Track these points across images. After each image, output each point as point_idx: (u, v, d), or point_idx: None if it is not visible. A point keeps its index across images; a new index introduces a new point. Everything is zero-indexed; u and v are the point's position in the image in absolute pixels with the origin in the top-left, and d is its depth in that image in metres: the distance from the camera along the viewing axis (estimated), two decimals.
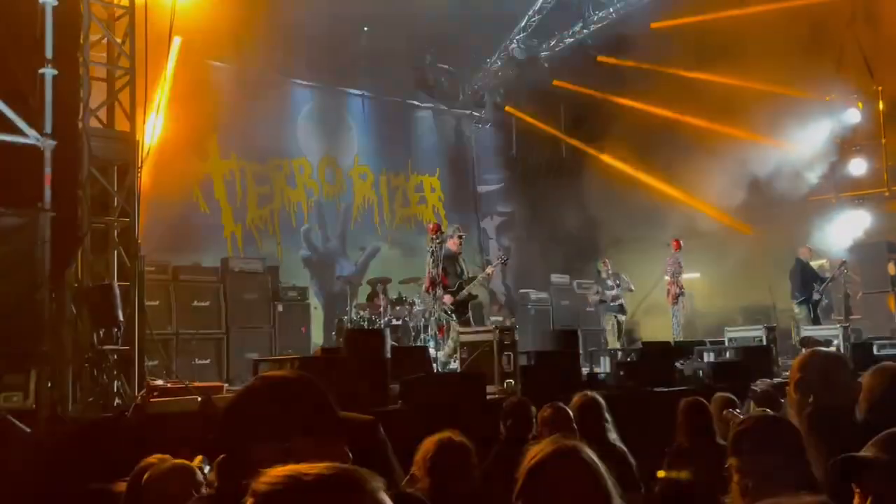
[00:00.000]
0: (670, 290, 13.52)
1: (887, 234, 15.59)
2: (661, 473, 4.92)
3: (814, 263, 14.45)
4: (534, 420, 5.07)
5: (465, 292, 10.72)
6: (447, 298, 10.49)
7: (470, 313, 11.10)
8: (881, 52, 15.26)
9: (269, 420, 1.72)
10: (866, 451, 1.96)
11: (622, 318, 14.15)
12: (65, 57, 6.67)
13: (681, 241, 13.64)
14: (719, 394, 5.73)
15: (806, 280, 13.56)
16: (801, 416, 2.75)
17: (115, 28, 7.36)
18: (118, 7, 7.42)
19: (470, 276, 11.08)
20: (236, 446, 1.72)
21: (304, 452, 1.57)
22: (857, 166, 16.60)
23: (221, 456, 1.75)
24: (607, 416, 5.17)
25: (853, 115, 16.35)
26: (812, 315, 13.49)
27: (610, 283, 14.02)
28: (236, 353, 11.26)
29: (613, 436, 5.15)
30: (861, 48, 15.54)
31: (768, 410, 4.84)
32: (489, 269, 11.33)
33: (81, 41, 6.96)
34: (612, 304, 14.05)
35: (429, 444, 3.73)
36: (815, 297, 13.50)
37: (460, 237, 11.13)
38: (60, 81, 6.51)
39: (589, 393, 5.35)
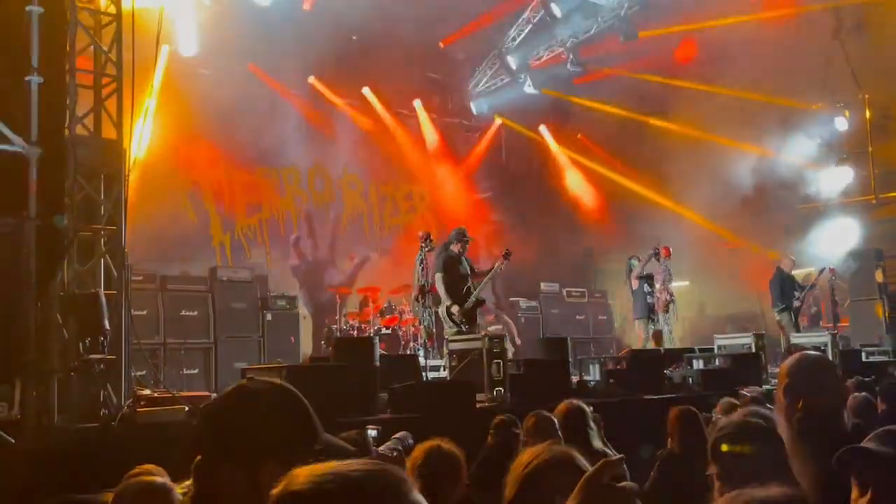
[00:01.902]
0: (660, 298, 13.48)
1: (875, 242, 15.67)
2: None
3: (801, 272, 14.49)
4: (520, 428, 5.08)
5: (472, 299, 10.21)
6: (455, 309, 10.00)
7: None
8: (867, 61, 15.38)
9: (239, 440, 1.63)
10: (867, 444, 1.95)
11: (651, 325, 13.27)
12: (51, 64, 6.65)
13: (670, 249, 13.61)
14: (726, 398, 5.75)
15: (785, 289, 13.57)
16: (789, 421, 2.73)
17: (101, 35, 7.32)
18: (105, 14, 7.38)
19: (474, 281, 10.45)
20: (207, 461, 1.66)
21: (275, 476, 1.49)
22: (845, 174, 16.68)
23: (197, 458, 1.69)
24: (591, 423, 5.17)
25: (840, 124, 16.46)
26: (794, 321, 13.52)
27: (646, 286, 13.33)
28: (224, 362, 11.21)
29: (598, 443, 5.14)
30: (847, 57, 15.66)
31: None
32: (493, 270, 10.73)
33: (68, 48, 6.93)
34: (648, 299, 13.27)
35: (418, 452, 3.72)
36: (796, 304, 13.51)
37: (465, 240, 10.52)
38: (46, 89, 6.49)
39: (573, 401, 5.35)
